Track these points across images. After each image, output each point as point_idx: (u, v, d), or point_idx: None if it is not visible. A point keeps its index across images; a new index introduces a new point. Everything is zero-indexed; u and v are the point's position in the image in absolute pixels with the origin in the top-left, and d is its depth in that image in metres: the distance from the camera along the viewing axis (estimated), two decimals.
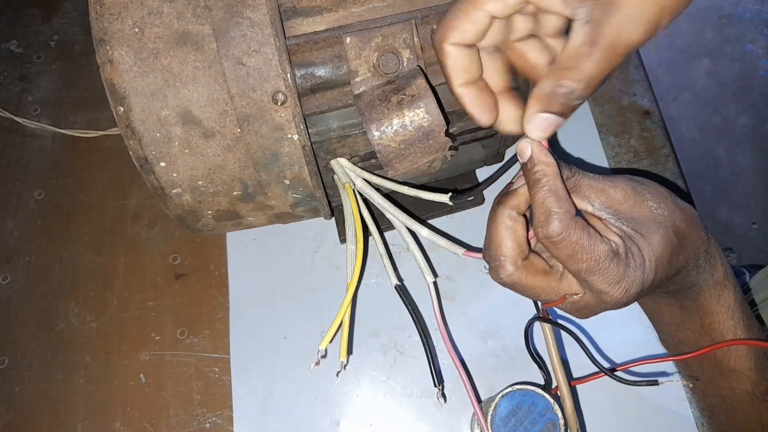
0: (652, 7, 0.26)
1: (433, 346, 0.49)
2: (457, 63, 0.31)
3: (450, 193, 0.39)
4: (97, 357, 0.51)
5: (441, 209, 0.53)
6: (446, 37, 0.30)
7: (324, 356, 0.38)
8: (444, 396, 0.41)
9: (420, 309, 0.48)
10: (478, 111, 0.32)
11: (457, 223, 0.54)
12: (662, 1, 0.26)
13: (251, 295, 0.52)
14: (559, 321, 0.42)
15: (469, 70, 0.32)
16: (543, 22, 0.32)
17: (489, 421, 0.41)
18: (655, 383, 0.37)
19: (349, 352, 0.50)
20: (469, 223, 0.54)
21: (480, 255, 0.38)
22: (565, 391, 0.40)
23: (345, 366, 0.40)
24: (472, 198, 0.54)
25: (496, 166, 0.38)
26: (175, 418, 0.49)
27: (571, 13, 0.28)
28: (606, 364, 0.38)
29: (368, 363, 0.50)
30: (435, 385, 0.40)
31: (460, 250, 0.39)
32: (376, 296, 0.52)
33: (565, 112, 0.30)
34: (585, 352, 0.37)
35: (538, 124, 0.30)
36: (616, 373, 0.37)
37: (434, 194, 0.40)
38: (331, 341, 0.38)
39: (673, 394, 0.48)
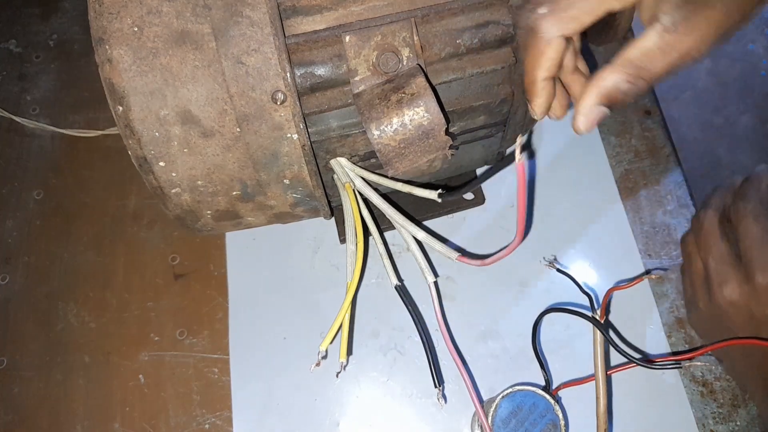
0: (727, 28, 0.28)
1: (434, 347, 0.48)
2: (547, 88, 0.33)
3: (440, 190, 0.39)
4: (97, 357, 0.51)
5: (441, 209, 0.53)
6: (537, 68, 0.32)
7: (324, 357, 0.38)
8: (444, 397, 0.41)
9: (420, 309, 0.48)
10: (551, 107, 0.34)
11: (457, 222, 0.54)
12: (736, 25, 0.28)
13: (251, 295, 0.52)
14: (579, 310, 0.42)
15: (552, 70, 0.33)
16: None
17: (489, 421, 0.40)
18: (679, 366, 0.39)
19: (349, 352, 0.49)
20: (470, 223, 0.54)
21: (473, 261, 0.38)
22: (602, 389, 0.40)
23: (345, 367, 0.40)
24: (473, 198, 0.54)
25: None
26: (174, 418, 0.48)
27: (650, 16, 0.29)
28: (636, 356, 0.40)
29: (368, 363, 0.50)
30: (435, 386, 0.40)
31: (454, 255, 0.39)
32: (376, 296, 0.52)
33: (615, 108, 0.30)
34: (611, 343, 0.39)
35: (594, 115, 0.30)
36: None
37: (425, 191, 0.40)
38: (331, 342, 0.38)
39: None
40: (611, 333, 0.49)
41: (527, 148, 0.53)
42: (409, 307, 0.41)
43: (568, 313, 0.42)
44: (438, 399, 0.39)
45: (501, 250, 0.35)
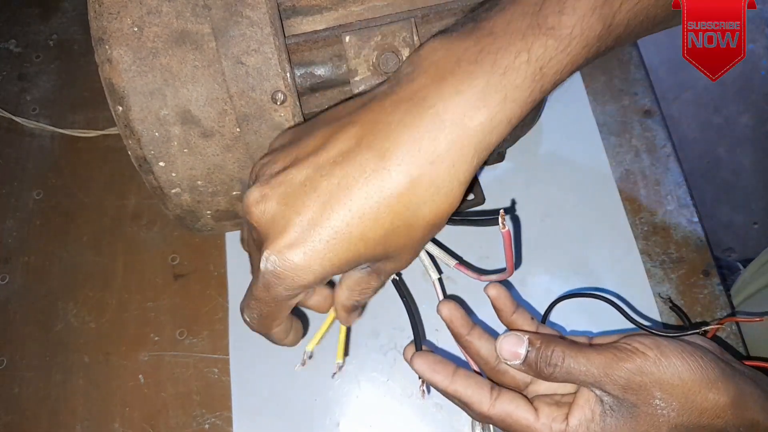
0: (415, 252, 0.32)
1: (419, 335, 0.48)
2: (282, 332, 0.36)
3: None
4: (96, 357, 0.51)
5: None
6: (270, 327, 0.34)
7: (310, 357, 0.39)
8: (428, 388, 0.41)
9: (420, 310, 0.48)
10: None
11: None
12: (422, 246, 0.32)
13: None
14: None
15: (288, 328, 0.36)
16: None
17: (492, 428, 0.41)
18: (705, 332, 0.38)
19: (347, 353, 0.49)
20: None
21: (470, 273, 0.39)
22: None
23: (341, 368, 0.40)
24: (473, 198, 0.54)
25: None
26: (174, 418, 0.48)
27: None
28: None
29: (368, 364, 0.50)
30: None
31: (452, 262, 0.39)
32: (376, 296, 0.52)
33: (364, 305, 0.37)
34: (623, 313, 0.40)
35: (352, 318, 0.37)
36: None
37: None
38: (317, 343, 0.38)
39: None
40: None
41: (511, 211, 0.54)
42: (405, 299, 0.41)
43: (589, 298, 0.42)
44: (420, 388, 0.39)
45: (495, 272, 0.38)
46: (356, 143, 0.28)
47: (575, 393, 0.34)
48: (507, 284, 0.52)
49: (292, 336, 0.36)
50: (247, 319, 0.34)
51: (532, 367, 0.33)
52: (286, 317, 0.33)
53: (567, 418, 0.33)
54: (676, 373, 0.31)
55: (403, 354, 0.38)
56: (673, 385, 0.31)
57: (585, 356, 0.32)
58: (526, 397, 0.35)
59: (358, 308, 0.36)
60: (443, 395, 0.36)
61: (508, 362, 0.34)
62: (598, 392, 0.32)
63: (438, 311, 0.38)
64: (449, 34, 0.30)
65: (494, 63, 0.28)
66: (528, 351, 0.33)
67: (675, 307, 0.48)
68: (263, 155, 0.33)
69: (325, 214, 0.28)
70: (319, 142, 0.30)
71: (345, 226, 0.28)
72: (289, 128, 0.35)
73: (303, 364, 0.39)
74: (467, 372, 0.35)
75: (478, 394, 0.34)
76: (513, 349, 0.34)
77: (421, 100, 0.28)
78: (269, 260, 0.29)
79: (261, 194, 0.29)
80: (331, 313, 0.38)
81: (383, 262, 0.31)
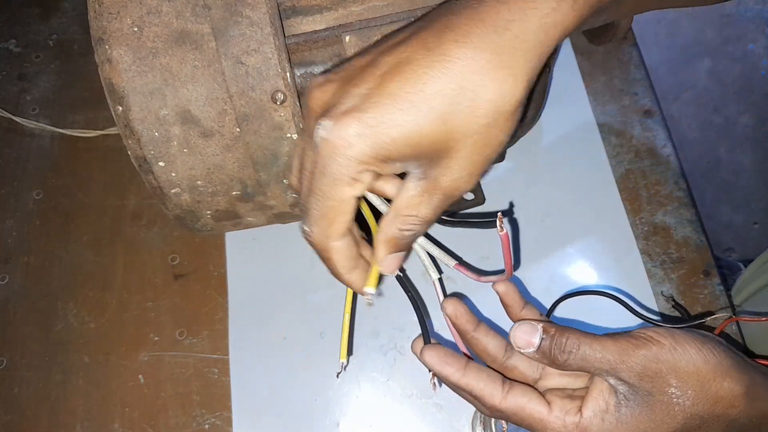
0: (479, 164, 0.30)
1: (428, 315, 0.47)
2: (343, 255, 0.33)
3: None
4: (96, 357, 0.51)
5: None
6: (330, 236, 0.31)
7: (345, 368, 0.38)
8: (439, 382, 0.41)
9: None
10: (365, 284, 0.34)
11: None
12: (487, 157, 0.30)
13: (250, 295, 0.52)
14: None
15: (353, 254, 0.33)
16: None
17: (493, 423, 0.40)
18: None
19: (350, 353, 0.49)
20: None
21: (470, 273, 0.38)
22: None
23: (345, 367, 0.40)
24: (473, 198, 0.54)
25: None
26: (174, 419, 0.48)
27: (402, 167, 0.30)
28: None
29: (368, 364, 0.50)
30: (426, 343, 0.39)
31: (452, 262, 0.39)
32: (376, 296, 0.52)
33: (408, 247, 0.34)
34: (629, 309, 0.40)
35: (390, 263, 0.33)
36: None
37: None
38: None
39: None
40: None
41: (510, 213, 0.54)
42: (410, 293, 0.41)
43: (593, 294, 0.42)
44: (430, 381, 0.39)
45: (494, 274, 0.37)
46: (419, 27, 0.29)
47: (587, 387, 0.33)
48: None
49: (359, 273, 0.34)
50: (306, 228, 0.31)
51: (546, 354, 0.32)
52: (344, 226, 0.31)
53: (580, 410, 0.32)
54: (691, 360, 0.31)
55: (412, 347, 0.37)
56: (689, 373, 0.31)
57: (600, 343, 0.32)
58: (538, 390, 0.34)
59: (400, 246, 0.33)
60: (453, 389, 0.35)
61: (522, 350, 0.33)
62: (612, 381, 0.32)
63: (442, 309, 0.37)
64: None
65: None
66: (542, 339, 0.32)
67: (677, 306, 0.48)
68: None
69: (384, 83, 0.27)
70: (385, 38, 0.30)
71: (405, 94, 0.27)
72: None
73: (337, 375, 0.39)
74: (478, 365, 0.35)
75: (490, 387, 0.33)
76: (527, 337, 0.33)
77: None
78: (323, 126, 0.28)
79: (324, 79, 0.29)
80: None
81: (441, 168, 0.29)
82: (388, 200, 0.33)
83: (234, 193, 0.39)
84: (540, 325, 0.33)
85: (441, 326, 0.49)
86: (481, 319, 0.47)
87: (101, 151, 0.59)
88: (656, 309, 0.50)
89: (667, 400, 0.31)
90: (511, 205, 0.54)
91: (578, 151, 0.57)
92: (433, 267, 0.40)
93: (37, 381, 0.50)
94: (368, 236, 0.43)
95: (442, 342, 0.49)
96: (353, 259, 0.33)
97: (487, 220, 0.33)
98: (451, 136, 0.28)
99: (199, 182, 0.37)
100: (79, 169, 0.59)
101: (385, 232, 0.32)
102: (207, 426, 0.48)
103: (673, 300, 0.49)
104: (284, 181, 0.38)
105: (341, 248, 0.32)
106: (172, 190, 0.38)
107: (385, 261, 0.33)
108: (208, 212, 0.40)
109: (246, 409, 0.48)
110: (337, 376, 0.40)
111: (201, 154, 0.36)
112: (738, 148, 1.46)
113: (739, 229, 1.38)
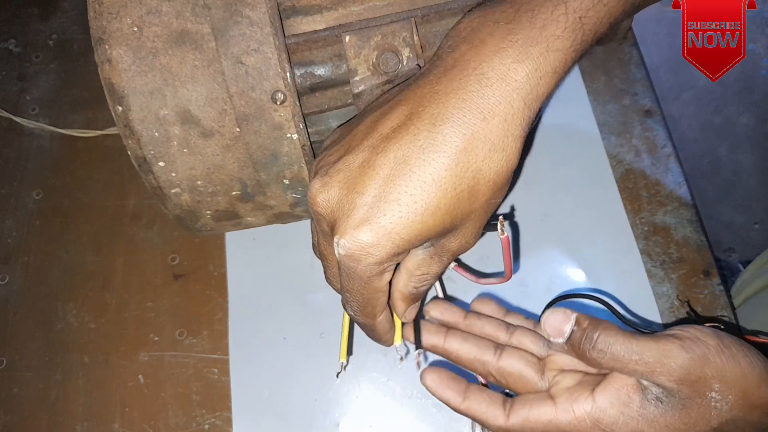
0: (482, 225, 0.32)
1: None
2: (386, 323, 0.36)
3: None
4: (96, 358, 0.51)
5: None
6: (375, 315, 0.34)
7: (345, 368, 0.40)
8: (425, 356, 0.41)
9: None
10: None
11: None
12: (488, 216, 0.32)
13: (250, 295, 0.52)
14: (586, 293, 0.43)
15: (390, 318, 0.36)
16: None
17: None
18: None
19: (349, 352, 0.49)
20: None
21: (469, 275, 0.38)
22: None
23: (345, 367, 0.40)
24: None
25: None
26: (174, 419, 0.48)
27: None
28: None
29: (368, 364, 0.50)
30: (417, 347, 0.38)
31: (452, 264, 0.39)
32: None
33: (422, 297, 0.36)
34: (617, 317, 0.39)
35: (410, 313, 0.36)
36: None
37: None
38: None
39: None
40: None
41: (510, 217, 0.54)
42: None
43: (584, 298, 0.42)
44: (417, 359, 0.37)
45: (494, 275, 0.38)
46: (407, 117, 0.29)
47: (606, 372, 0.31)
48: (507, 284, 0.52)
49: (393, 331, 0.37)
50: (351, 313, 0.35)
51: (575, 347, 0.31)
52: (384, 303, 0.34)
53: (593, 395, 0.30)
54: (738, 365, 0.29)
55: (416, 366, 0.37)
56: (735, 379, 0.29)
57: (639, 343, 0.30)
58: (539, 383, 0.33)
59: (417, 298, 0.35)
60: (455, 412, 0.35)
61: (551, 339, 0.32)
62: (645, 382, 0.30)
63: (425, 313, 0.39)
64: (483, 5, 0.31)
65: (532, 18, 0.29)
66: (573, 330, 0.31)
67: (692, 311, 0.48)
68: (320, 154, 0.33)
69: (387, 190, 0.28)
70: (370, 126, 0.30)
71: (408, 197, 0.28)
72: (339, 126, 0.36)
73: (337, 375, 0.40)
74: (479, 387, 0.34)
75: (492, 410, 0.33)
76: (558, 325, 0.32)
77: (465, 64, 0.29)
78: (340, 245, 0.29)
79: (322, 183, 0.30)
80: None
81: (449, 237, 0.31)
82: None
83: (234, 193, 0.39)
84: (574, 315, 0.32)
85: None
86: None
87: (101, 151, 0.59)
88: (656, 309, 0.50)
89: (705, 404, 0.29)
90: (513, 208, 0.54)
91: (578, 151, 0.57)
92: None
93: (36, 381, 0.50)
94: None
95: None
96: (391, 322, 0.36)
97: (488, 224, 0.33)
98: (456, 220, 0.30)
99: (199, 182, 0.37)
100: (78, 169, 0.59)
101: (401, 291, 0.34)
102: (207, 426, 0.48)
103: (689, 305, 0.49)
104: (284, 181, 0.38)
105: (383, 320, 0.35)
106: (172, 190, 0.38)
107: (406, 314, 0.36)
108: (208, 212, 0.40)
109: (246, 409, 0.48)
110: (337, 376, 0.40)
111: (201, 154, 0.36)
112: (738, 148, 1.46)
113: (739, 230, 1.38)
